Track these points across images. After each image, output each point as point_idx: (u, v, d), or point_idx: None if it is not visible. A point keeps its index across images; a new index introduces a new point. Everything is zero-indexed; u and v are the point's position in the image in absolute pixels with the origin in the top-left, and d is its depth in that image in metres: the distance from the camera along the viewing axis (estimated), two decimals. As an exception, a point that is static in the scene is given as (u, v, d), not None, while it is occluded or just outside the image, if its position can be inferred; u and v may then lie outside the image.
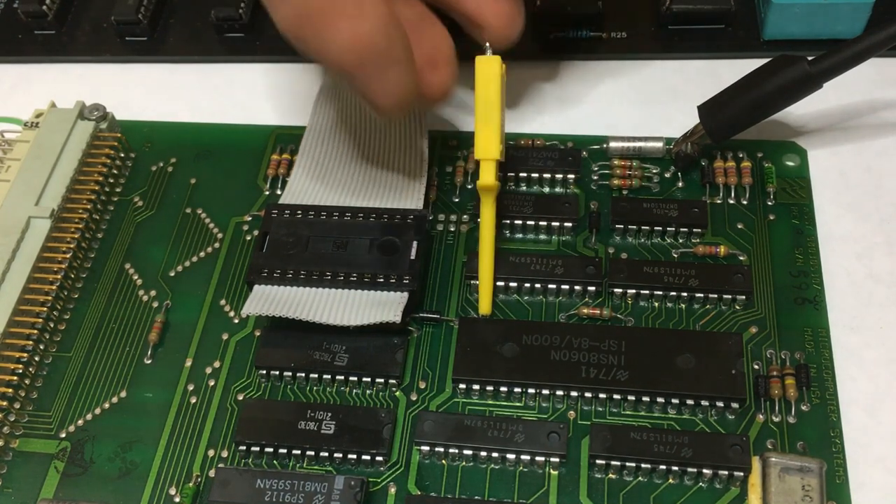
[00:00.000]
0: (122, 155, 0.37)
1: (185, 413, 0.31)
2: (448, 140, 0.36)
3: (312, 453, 0.29)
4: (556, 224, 0.33)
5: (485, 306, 0.31)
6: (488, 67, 0.30)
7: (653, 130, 0.36)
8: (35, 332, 0.32)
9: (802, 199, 0.33)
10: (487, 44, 0.30)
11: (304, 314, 0.30)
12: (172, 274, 0.34)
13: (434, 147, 0.36)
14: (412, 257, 0.31)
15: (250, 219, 0.35)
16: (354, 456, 0.29)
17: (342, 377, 0.30)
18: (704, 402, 0.29)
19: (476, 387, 0.30)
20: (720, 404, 0.29)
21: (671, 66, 0.39)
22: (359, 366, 0.30)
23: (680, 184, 0.34)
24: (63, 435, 0.31)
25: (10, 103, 0.41)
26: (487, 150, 0.30)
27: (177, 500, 0.29)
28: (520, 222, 0.33)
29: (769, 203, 0.33)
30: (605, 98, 0.38)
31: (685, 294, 0.31)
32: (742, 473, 0.27)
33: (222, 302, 0.33)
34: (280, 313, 0.30)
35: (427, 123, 0.35)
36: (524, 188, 0.35)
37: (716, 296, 0.31)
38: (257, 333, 0.32)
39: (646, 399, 0.29)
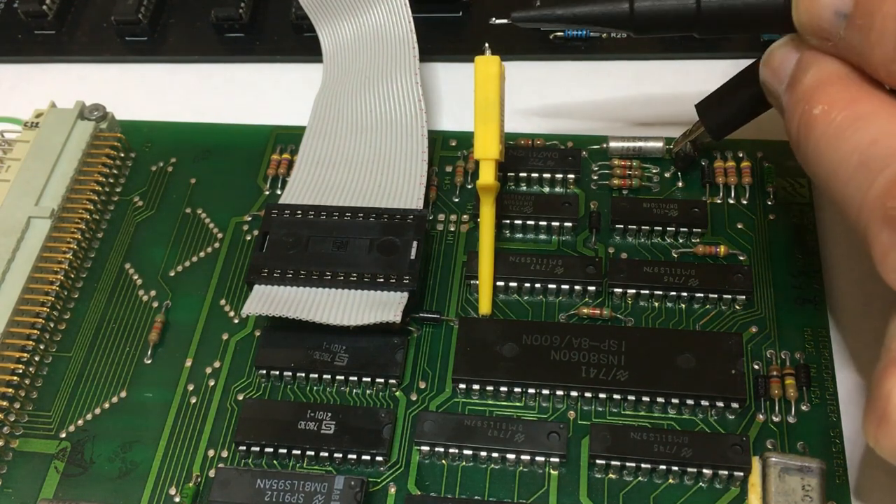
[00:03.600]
0: (122, 155, 0.37)
1: (185, 413, 0.31)
2: (448, 140, 0.36)
3: (312, 453, 0.29)
4: (556, 224, 0.33)
5: (485, 306, 0.31)
6: (487, 67, 0.29)
7: (653, 130, 0.36)
8: (35, 332, 0.32)
9: (802, 199, 0.33)
10: (487, 44, 0.30)
11: (304, 314, 0.30)
12: (172, 274, 0.34)
13: (434, 147, 0.36)
14: (412, 257, 0.31)
15: (250, 219, 0.35)
16: (354, 456, 0.29)
17: (342, 377, 0.30)
18: (704, 402, 0.29)
19: (476, 387, 0.30)
20: (720, 404, 0.29)
21: (671, 66, 0.39)
22: (359, 366, 0.30)
23: (680, 184, 0.34)
24: (63, 435, 0.31)
25: (10, 103, 0.41)
26: (487, 149, 0.29)
27: (177, 500, 0.29)
28: (520, 222, 0.33)
29: (769, 203, 0.33)
30: (605, 98, 0.38)
31: (685, 294, 0.31)
32: (742, 473, 0.27)
33: (222, 302, 0.33)
34: (280, 313, 0.30)
35: (427, 123, 0.35)
36: (524, 188, 0.35)
37: (716, 296, 0.31)
38: (257, 333, 0.32)
39: (646, 399, 0.29)
